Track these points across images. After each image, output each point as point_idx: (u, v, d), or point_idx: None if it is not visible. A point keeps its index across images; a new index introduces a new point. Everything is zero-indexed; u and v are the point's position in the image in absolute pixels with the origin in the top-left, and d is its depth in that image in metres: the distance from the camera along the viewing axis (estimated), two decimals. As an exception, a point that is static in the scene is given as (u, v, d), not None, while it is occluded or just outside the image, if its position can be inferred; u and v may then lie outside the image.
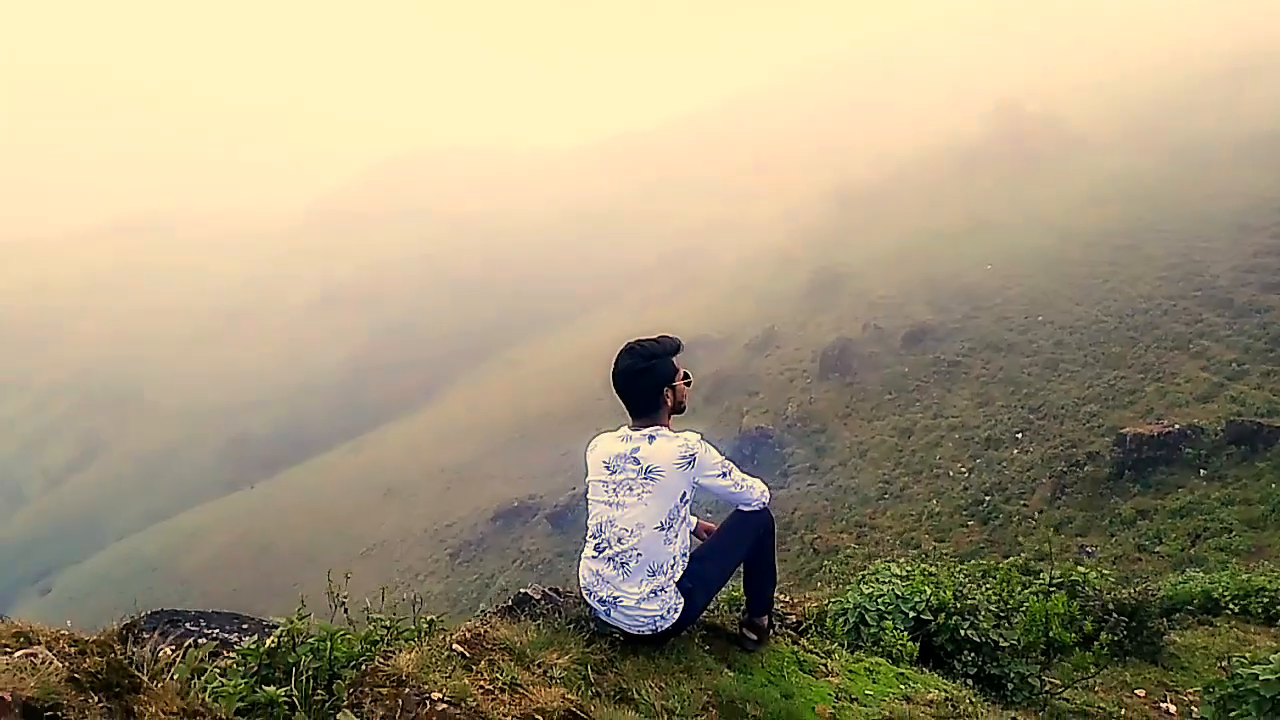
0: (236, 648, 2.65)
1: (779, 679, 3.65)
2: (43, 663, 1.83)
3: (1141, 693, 5.53)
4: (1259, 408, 28.44)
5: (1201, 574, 11.00)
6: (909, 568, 5.20)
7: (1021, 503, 30.34)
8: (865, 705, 3.61)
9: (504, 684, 2.72)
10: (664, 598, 3.48)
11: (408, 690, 2.39)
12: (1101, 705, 5.04)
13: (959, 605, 4.76)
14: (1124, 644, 6.12)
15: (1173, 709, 5.27)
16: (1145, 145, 68.34)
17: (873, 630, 4.62)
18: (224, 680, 2.33)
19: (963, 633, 4.64)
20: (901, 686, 3.92)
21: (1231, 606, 8.38)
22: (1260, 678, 3.50)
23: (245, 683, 2.33)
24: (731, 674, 3.56)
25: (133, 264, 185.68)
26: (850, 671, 3.97)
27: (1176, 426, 28.35)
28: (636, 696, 3.08)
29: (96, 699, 1.84)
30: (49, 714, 1.74)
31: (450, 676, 2.63)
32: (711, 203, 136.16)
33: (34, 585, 71.63)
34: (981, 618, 4.75)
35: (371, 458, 77.98)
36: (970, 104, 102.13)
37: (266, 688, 2.31)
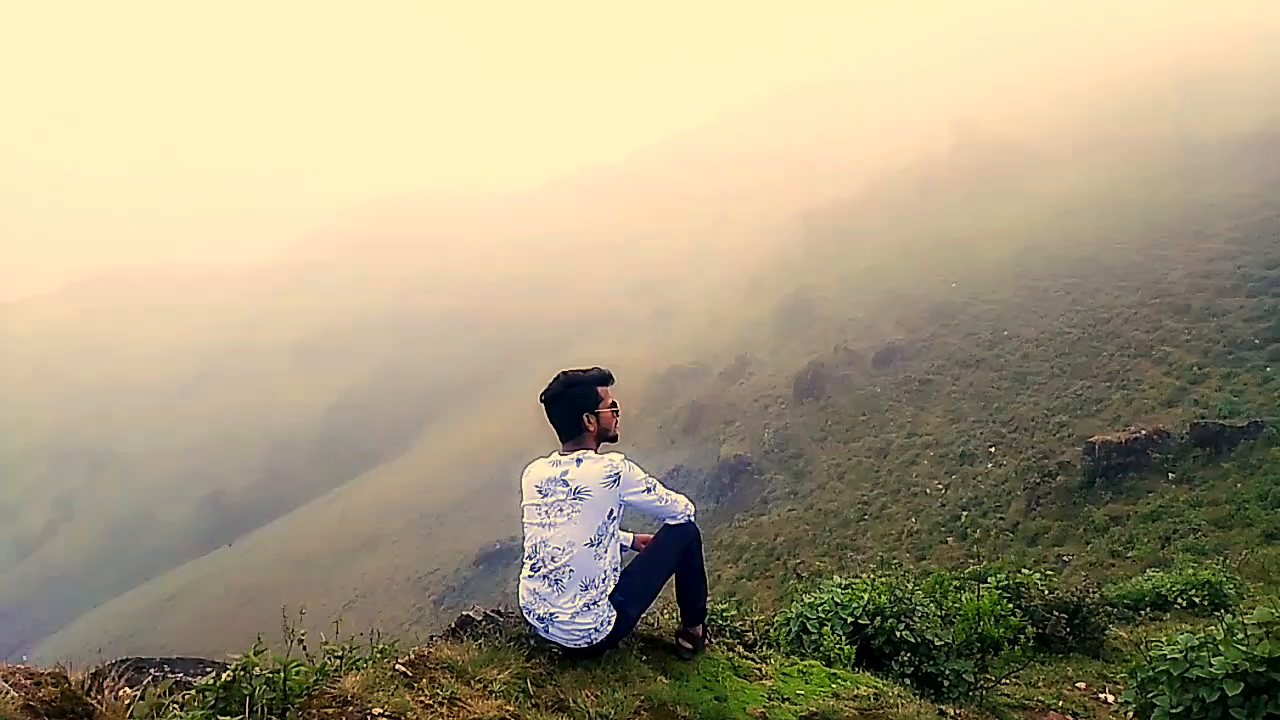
0: (195, 684, 2.81)
1: (714, 684, 3.84)
2: (0, 694, 2.01)
3: (1083, 685, 5.76)
4: (1221, 409, 29.07)
5: (1160, 573, 11.31)
6: (850, 578, 5.44)
7: (998, 516, 30.67)
8: (795, 704, 3.81)
9: (444, 698, 2.90)
10: (597, 611, 3.66)
11: (351, 709, 2.55)
12: (1041, 698, 5.27)
13: (895, 609, 4.99)
14: (1067, 640, 6.39)
15: (1111, 699, 5.50)
16: (1100, 158, 69.98)
17: (813, 637, 4.84)
18: (182, 713, 2.49)
19: (899, 634, 4.88)
20: (833, 685, 4.13)
21: (1180, 601, 8.69)
22: (1168, 657, 3.75)
23: (202, 713, 2.49)
24: (667, 681, 3.74)
25: (102, 322, 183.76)
26: (785, 674, 4.18)
27: (1143, 432, 28.84)
28: (573, 705, 3.25)
29: None
30: None
31: (393, 695, 2.81)
32: (682, 231, 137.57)
33: (9, 657, 69.81)
34: (917, 619, 4.98)
35: (351, 507, 77.25)
36: (929, 124, 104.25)
37: (222, 718, 2.48)
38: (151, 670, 3.77)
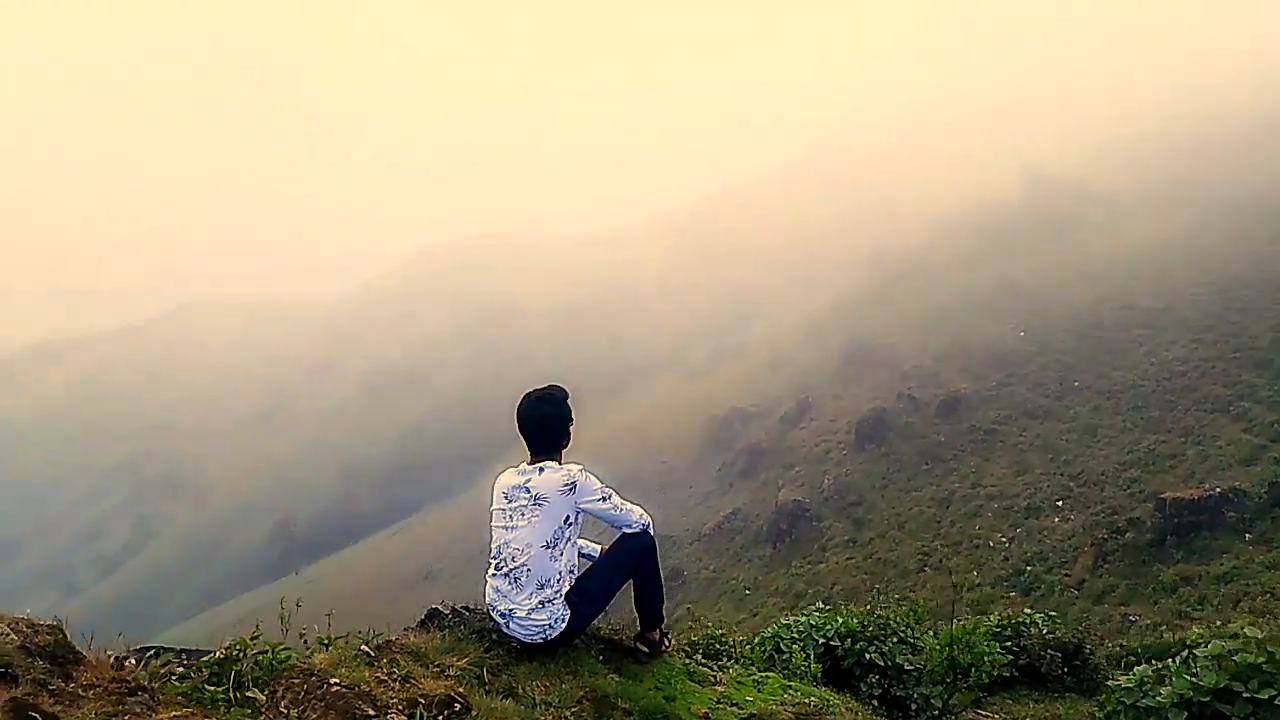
0: (195, 660, 3.34)
1: (666, 685, 4.18)
2: (2, 635, 2.52)
3: None
4: (1302, 469, 28.05)
5: (1198, 629, 11.11)
6: (831, 607, 5.73)
7: (1064, 572, 29.91)
8: (741, 707, 4.12)
9: (400, 676, 3.31)
10: (551, 609, 4.06)
11: (313, 679, 2.96)
12: None
13: (867, 633, 5.25)
14: (1064, 680, 6.52)
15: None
16: (1173, 206, 68.28)
17: (785, 656, 5.14)
18: (177, 682, 2.99)
19: (868, 657, 5.13)
20: (784, 695, 4.42)
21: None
22: (1124, 687, 3.97)
23: (195, 682, 2.99)
24: (618, 678, 4.09)
25: (186, 350, 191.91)
26: (739, 683, 4.52)
27: (1218, 490, 27.97)
28: (521, 693, 3.63)
29: (42, 664, 2.55)
30: (2, 671, 2.40)
31: (354, 670, 3.23)
32: (744, 276, 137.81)
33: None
34: (888, 644, 5.23)
35: (414, 539, 78.58)
36: (998, 169, 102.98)
37: (209, 687, 2.95)
38: (171, 655, 4.24)
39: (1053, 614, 8.22)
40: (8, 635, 2.52)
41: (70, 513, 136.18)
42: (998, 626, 7.18)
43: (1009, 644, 6.85)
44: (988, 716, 5.61)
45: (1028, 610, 7.63)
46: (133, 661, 3.03)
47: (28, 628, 2.64)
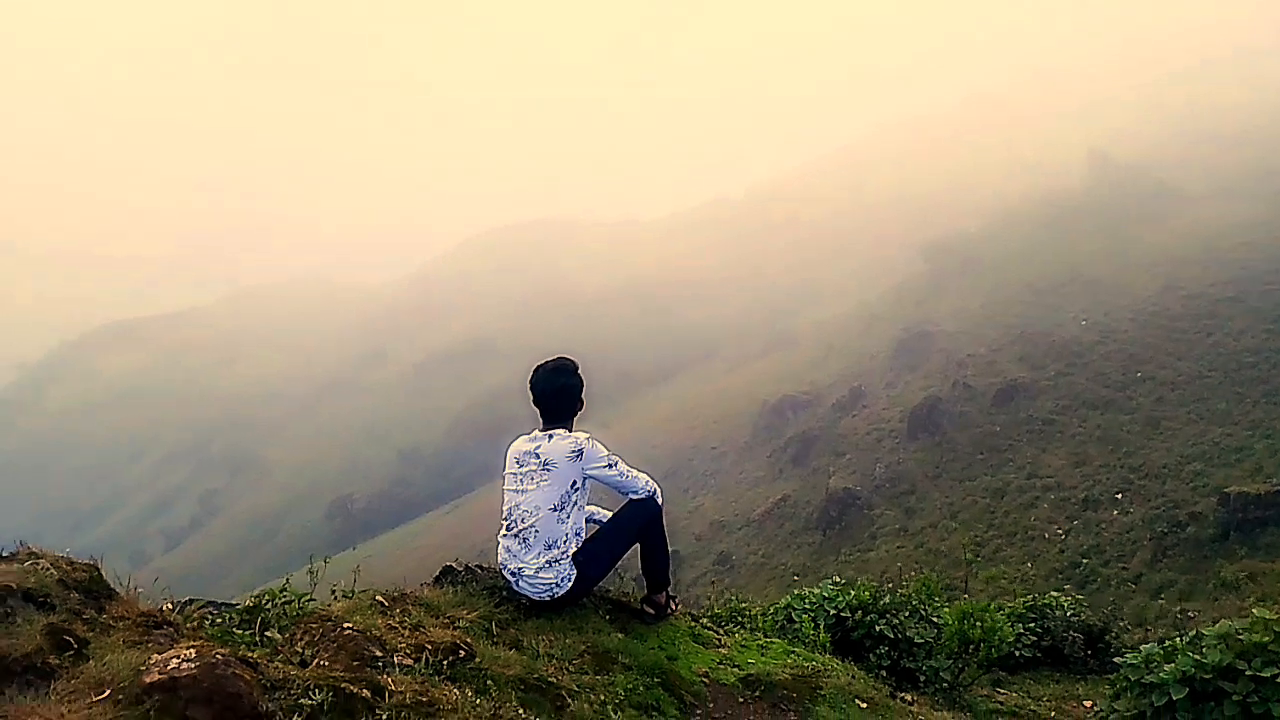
0: (227, 608, 3.59)
1: (669, 645, 4.35)
2: (43, 569, 2.76)
3: (1089, 703, 5.82)
4: (1377, 465, 26.94)
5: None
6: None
7: (1121, 566, 29.29)
8: (741, 669, 4.28)
9: (410, 625, 3.54)
10: (559, 568, 4.26)
11: (329, 624, 3.19)
12: (1035, 709, 5.43)
13: (878, 605, 5.31)
14: (1087, 662, 6.53)
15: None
16: (1245, 194, 65.63)
17: (795, 626, 5.24)
18: (208, 627, 3.22)
19: (878, 628, 5.19)
20: (786, 660, 4.55)
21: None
22: (1130, 664, 3.98)
23: (224, 626, 3.22)
24: (621, 636, 4.26)
25: (250, 333, 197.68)
26: (743, 646, 4.66)
27: (1287, 485, 27.09)
28: (526, 645, 3.83)
29: (77, 596, 2.83)
30: (41, 600, 2.68)
31: (367, 617, 3.45)
32: (801, 263, 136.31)
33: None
34: (899, 617, 5.28)
35: (467, 518, 79.94)
36: (1063, 155, 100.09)
37: (237, 631, 3.20)
38: (207, 604, 4.47)
39: (1079, 597, 8.16)
40: (48, 570, 2.79)
41: (139, 487, 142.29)
42: (1023, 608, 7.17)
43: (1033, 625, 6.86)
44: (1005, 694, 5.62)
45: (1053, 593, 7.60)
46: (169, 605, 3.27)
47: (66, 565, 2.91)
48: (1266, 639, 3.55)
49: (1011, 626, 5.77)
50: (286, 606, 3.48)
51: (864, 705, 4.06)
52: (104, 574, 2.99)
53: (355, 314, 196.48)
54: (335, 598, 3.91)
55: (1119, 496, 33.96)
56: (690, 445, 67.21)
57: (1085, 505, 34.42)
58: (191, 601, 3.59)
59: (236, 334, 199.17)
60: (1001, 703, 5.33)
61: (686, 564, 42.50)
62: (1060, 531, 33.43)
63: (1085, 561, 30.32)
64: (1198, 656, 3.67)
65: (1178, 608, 24.06)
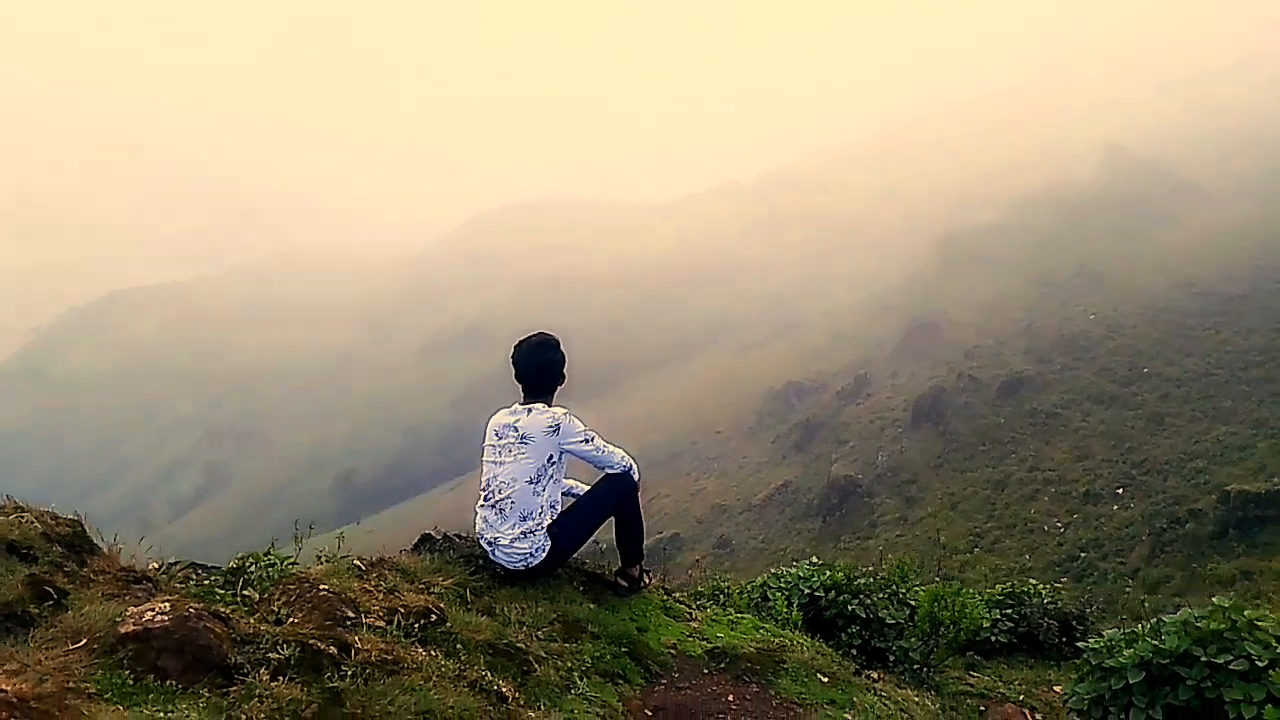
0: (213, 569, 3.70)
1: (640, 617, 4.45)
2: (27, 522, 2.88)
3: (1059, 688, 5.89)
4: (1379, 467, 26.91)
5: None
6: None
7: (1118, 560, 29.39)
8: (710, 642, 4.39)
9: (385, 589, 3.64)
10: (533, 539, 4.36)
11: (306, 585, 3.29)
12: (1004, 691, 5.54)
13: (852, 586, 5.41)
14: (1062, 649, 6.67)
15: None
16: (1261, 194, 65.06)
17: (770, 604, 5.36)
18: (192, 586, 3.32)
19: (850, 608, 5.30)
20: (755, 634, 4.65)
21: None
22: (1092, 648, 4.07)
23: (207, 586, 3.33)
24: (593, 607, 4.37)
25: (257, 304, 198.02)
26: (713, 620, 4.77)
27: (1287, 484, 27.09)
28: (498, 612, 3.94)
29: (60, 549, 2.96)
30: (24, 552, 2.79)
31: (343, 580, 3.56)
32: (810, 251, 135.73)
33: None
34: (874, 598, 5.38)
35: (468, 494, 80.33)
36: (1078, 150, 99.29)
37: (219, 591, 3.31)
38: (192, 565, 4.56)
39: (1057, 585, 8.30)
40: (32, 523, 2.89)
41: (145, 456, 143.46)
42: (1000, 594, 7.30)
43: (1010, 611, 6.97)
44: (976, 676, 5.71)
45: (1031, 582, 7.75)
46: (155, 565, 3.37)
47: (50, 519, 3.01)
48: (1223, 626, 3.62)
49: (989, 612, 5.87)
50: (269, 569, 3.58)
51: (825, 679, 4.16)
52: (87, 530, 3.09)
53: (364, 289, 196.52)
54: (320, 562, 4.02)
55: (1120, 491, 34.02)
56: (694, 429, 67.30)
57: (1086, 499, 34.50)
58: (177, 562, 3.70)
59: (245, 305, 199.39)
60: (972, 685, 5.44)
61: (686, 547, 42.69)
62: (1060, 524, 33.53)
63: (1083, 555, 30.43)
64: (1156, 643, 3.74)
65: (1172, 603, 24.14)
